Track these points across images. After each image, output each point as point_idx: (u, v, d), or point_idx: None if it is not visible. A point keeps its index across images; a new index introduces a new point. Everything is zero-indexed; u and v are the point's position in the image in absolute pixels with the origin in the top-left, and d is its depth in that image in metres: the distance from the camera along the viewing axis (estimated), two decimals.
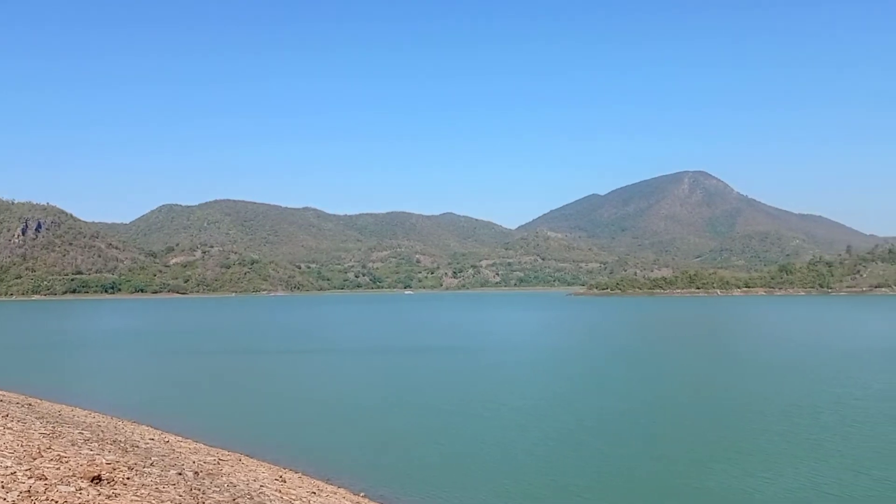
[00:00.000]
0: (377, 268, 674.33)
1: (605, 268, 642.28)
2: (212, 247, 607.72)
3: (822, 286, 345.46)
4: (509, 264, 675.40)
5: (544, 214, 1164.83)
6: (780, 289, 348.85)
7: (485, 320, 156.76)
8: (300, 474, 28.53)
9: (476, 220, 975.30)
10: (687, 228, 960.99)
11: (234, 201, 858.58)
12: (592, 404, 45.53)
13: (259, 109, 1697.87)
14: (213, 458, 28.23)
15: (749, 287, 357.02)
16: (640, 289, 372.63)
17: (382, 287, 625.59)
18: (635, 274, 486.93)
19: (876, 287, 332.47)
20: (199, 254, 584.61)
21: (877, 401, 44.23)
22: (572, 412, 42.66)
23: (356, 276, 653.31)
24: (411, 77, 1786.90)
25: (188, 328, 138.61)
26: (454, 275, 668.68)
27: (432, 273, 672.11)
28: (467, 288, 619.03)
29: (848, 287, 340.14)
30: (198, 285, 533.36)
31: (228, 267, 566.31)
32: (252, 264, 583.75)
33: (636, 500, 26.16)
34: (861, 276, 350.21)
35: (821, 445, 33.18)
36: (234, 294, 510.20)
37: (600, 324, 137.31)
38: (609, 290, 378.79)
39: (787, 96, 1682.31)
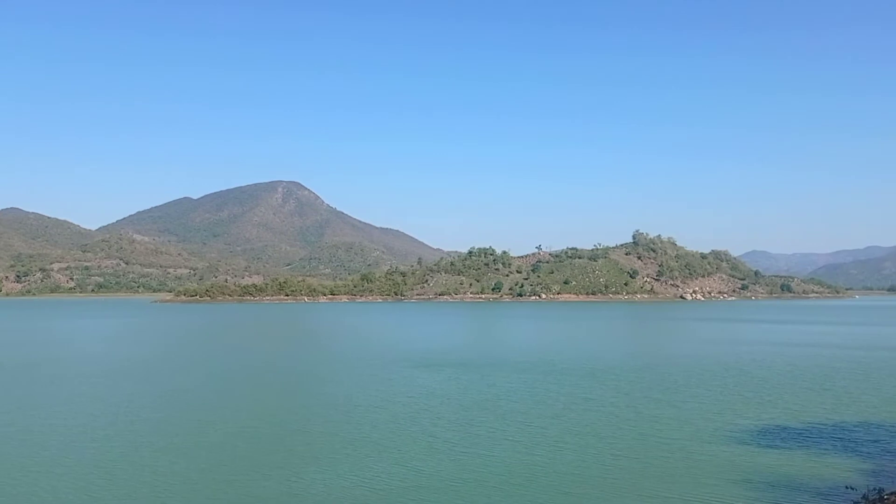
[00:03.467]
0: None
1: (196, 274, 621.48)
2: None
3: (396, 293, 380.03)
4: (87, 268, 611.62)
5: (130, 216, 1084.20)
6: (362, 296, 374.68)
7: (38, 329, 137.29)
8: None
9: (48, 217, 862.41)
10: (279, 237, 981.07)
11: None
12: (153, 417, 42.32)
13: None
14: None
15: (334, 294, 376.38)
16: (231, 295, 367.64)
17: None
18: (226, 280, 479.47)
19: (440, 294, 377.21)
20: None
21: (425, 398, 48.89)
22: (137, 427, 38.97)
23: None
24: None
25: None
26: (17, 279, 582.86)
27: None
28: (34, 294, 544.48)
29: (418, 294, 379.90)
30: None
31: None
32: None
33: None
34: (428, 284, 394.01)
35: (373, 443, 35.29)
36: None
37: (176, 332, 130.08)
38: (198, 296, 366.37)
39: (371, 119, 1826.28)
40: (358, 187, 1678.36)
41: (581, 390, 52.28)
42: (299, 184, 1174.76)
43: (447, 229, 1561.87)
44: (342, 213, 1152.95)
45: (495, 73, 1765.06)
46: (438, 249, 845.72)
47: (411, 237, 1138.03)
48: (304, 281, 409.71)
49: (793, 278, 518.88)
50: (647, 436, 36.79)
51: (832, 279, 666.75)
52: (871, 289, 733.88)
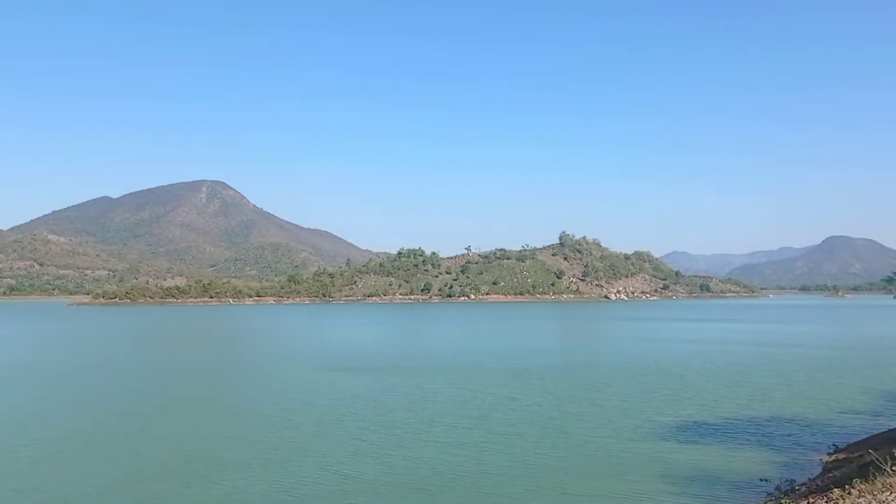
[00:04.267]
0: None
1: (115, 276, 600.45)
2: None
3: (324, 295, 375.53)
4: None
5: (45, 215, 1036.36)
6: (289, 297, 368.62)
7: None
8: None
9: None
10: (203, 237, 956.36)
11: None
12: (65, 425, 40.56)
13: None
14: None
15: (260, 296, 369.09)
16: (152, 298, 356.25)
17: None
18: (147, 282, 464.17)
19: (369, 296, 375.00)
20: None
21: (350, 400, 48.63)
22: (46, 435, 37.36)
23: None
24: None
25: None
26: None
27: None
28: None
29: (346, 296, 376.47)
30: None
31: None
32: None
33: None
34: (357, 286, 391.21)
35: (296, 447, 34.71)
36: None
37: (91, 335, 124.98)
38: (118, 298, 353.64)
39: (297, 118, 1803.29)
40: (285, 187, 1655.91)
41: (507, 390, 52.59)
42: (224, 183, 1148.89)
43: (376, 230, 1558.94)
44: (269, 213, 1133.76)
45: (424, 67, 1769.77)
46: (367, 250, 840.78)
47: (340, 238, 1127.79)
48: (229, 282, 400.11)
49: (711, 278, 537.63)
50: (570, 434, 37.25)
51: (748, 279, 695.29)
52: (784, 288, 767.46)
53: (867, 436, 34.57)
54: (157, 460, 32.59)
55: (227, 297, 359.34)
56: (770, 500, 23.70)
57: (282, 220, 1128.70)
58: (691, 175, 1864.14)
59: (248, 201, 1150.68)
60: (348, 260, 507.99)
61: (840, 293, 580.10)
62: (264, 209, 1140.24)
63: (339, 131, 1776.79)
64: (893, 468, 15.98)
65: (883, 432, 34.30)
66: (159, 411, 45.61)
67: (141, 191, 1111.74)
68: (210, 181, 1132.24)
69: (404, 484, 28.59)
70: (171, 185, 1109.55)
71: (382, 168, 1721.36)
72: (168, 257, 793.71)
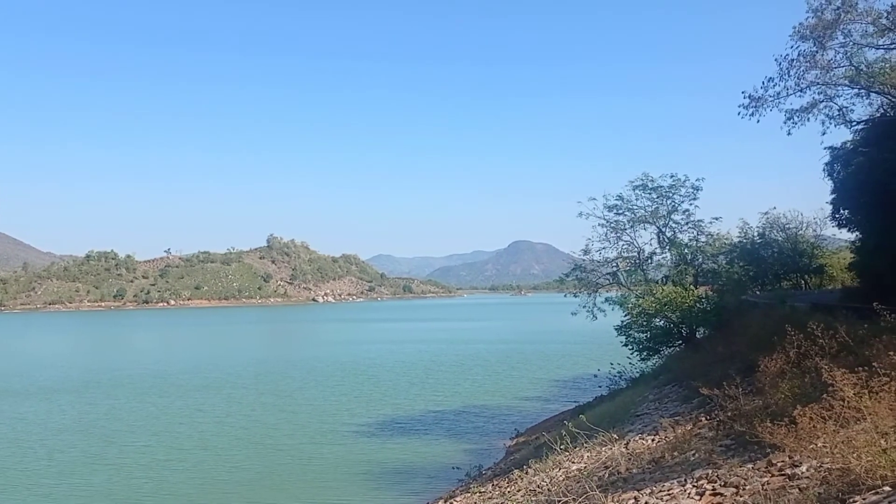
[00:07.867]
0: None
1: None
2: None
3: None
4: None
5: None
6: None
7: None
8: None
9: None
10: None
11: None
12: None
13: None
14: None
15: None
16: None
17: None
18: None
19: (51, 304, 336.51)
20: None
21: (5, 424, 41.97)
22: None
23: None
24: None
25: None
26: None
27: None
28: None
29: (22, 304, 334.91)
30: None
31: None
32: None
33: None
34: (36, 293, 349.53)
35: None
36: None
37: None
38: None
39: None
40: None
41: (194, 402, 49.14)
42: None
43: (60, 231, 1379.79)
44: None
45: (115, 70, 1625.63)
46: (49, 253, 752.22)
47: (14, 239, 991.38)
48: None
49: (413, 280, 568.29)
50: (262, 444, 35.64)
51: (445, 280, 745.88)
52: (476, 288, 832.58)
53: (542, 420, 37.66)
54: None
55: None
56: (461, 486, 24.53)
57: None
58: (394, 182, 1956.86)
59: None
60: (25, 264, 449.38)
61: (522, 292, 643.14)
62: None
63: (14, 115, 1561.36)
64: (561, 447, 17.29)
65: (554, 415, 37.69)
66: None
67: None
68: None
69: None
70: None
71: (67, 159, 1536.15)
72: None
